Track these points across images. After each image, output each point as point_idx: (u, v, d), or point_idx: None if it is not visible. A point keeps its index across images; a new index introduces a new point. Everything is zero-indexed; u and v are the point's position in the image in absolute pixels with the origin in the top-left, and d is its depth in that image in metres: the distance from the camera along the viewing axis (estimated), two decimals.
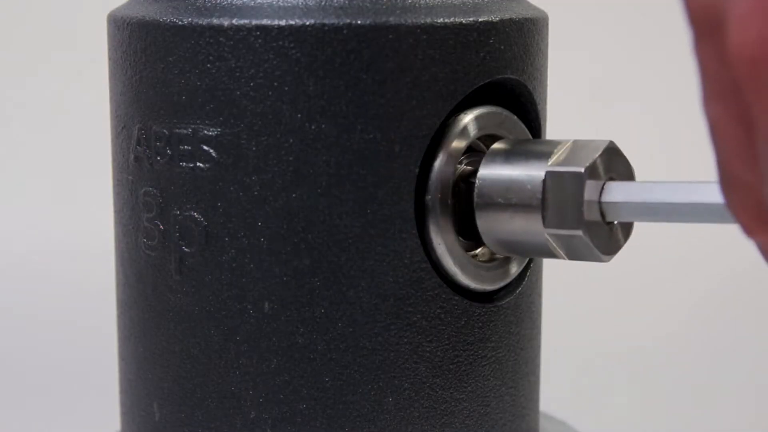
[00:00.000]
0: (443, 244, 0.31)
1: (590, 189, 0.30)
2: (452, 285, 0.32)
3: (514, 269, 0.33)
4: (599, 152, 0.30)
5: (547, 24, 0.35)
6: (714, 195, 0.28)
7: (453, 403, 0.32)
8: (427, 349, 0.32)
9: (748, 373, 0.60)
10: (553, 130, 0.37)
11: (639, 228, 0.32)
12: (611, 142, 0.31)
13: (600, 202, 0.30)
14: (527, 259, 0.34)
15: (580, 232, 0.30)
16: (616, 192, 0.30)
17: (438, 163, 0.31)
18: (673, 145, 0.81)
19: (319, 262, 0.31)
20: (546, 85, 0.35)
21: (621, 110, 0.82)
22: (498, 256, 0.33)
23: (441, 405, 0.32)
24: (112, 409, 0.38)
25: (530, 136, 0.34)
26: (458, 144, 0.31)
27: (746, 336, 0.64)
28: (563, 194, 0.30)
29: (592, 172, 0.30)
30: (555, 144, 0.31)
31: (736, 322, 0.66)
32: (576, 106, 0.77)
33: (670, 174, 0.78)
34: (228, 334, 0.31)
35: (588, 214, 0.30)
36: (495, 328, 0.33)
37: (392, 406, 0.32)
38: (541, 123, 0.34)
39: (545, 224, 0.30)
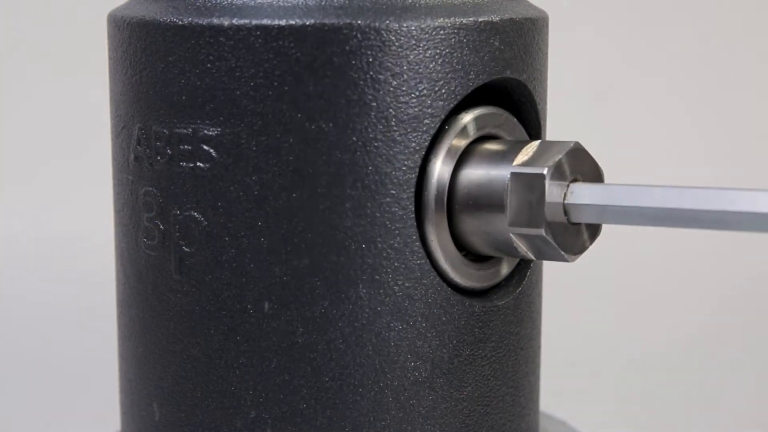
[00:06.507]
0: (436, 241, 0.31)
1: (553, 190, 0.30)
2: (452, 285, 0.32)
3: (505, 270, 0.34)
4: (564, 153, 0.31)
5: (547, 24, 0.35)
6: (681, 200, 0.29)
7: (453, 403, 0.32)
8: (427, 349, 0.32)
9: (749, 374, 0.60)
10: (553, 130, 0.37)
11: (636, 228, 0.32)
12: (577, 143, 0.31)
13: (564, 204, 0.30)
14: (518, 260, 0.34)
15: (542, 232, 0.30)
16: (581, 194, 0.30)
17: (438, 162, 0.31)
18: (673, 146, 0.81)
19: (319, 262, 0.31)
20: (546, 85, 0.35)
21: (621, 111, 0.82)
22: (489, 256, 0.33)
23: (441, 405, 0.32)
24: (112, 409, 0.38)
25: (528, 137, 0.34)
26: (458, 144, 0.32)
27: (747, 334, 0.64)
28: (526, 194, 0.30)
29: (555, 172, 0.30)
30: (523, 144, 0.32)
31: (738, 322, 0.66)
32: (576, 106, 0.77)
33: (671, 174, 0.78)
34: (228, 334, 0.32)
35: (550, 214, 0.30)
36: (495, 328, 0.33)
37: (392, 406, 0.32)
38: (541, 123, 0.34)
39: (509, 223, 0.31)
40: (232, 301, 0.31)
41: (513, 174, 0.31)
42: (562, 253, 0.31)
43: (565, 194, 0.31)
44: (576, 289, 0.65)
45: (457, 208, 0.32)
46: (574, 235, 0.31)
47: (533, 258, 0.31)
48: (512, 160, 0.31)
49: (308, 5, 0.31)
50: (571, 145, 0.31)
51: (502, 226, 0.31)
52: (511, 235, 0.31)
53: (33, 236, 0.75)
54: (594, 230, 0.32)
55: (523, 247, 0.31)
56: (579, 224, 0.31)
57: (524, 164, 0.31)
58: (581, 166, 0.31)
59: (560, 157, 0.30)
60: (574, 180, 0.31)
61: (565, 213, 0.31)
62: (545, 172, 0.30)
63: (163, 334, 0.33)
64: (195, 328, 0.32)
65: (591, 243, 0.32)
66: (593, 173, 0.31)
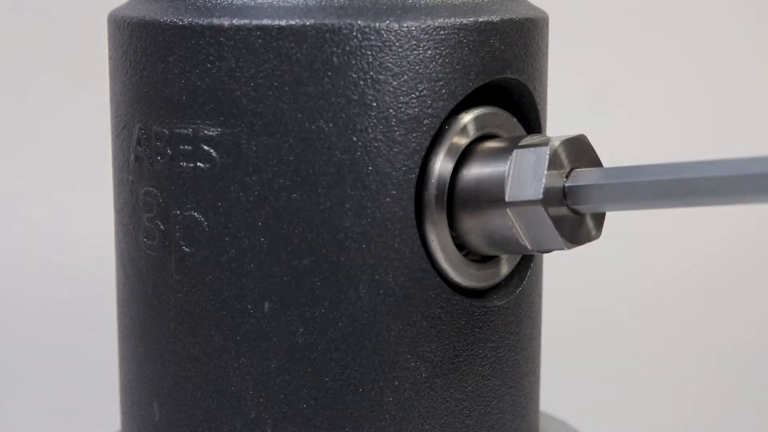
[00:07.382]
0: (436, 241, 0.31)
1: (554, 176, 0.30)
2: (452, 285, 0.32)
3: (505, 270, 0.34)
4: (565, 139, 0.31)
5: (547, 24, 0.35)
6: (679, 171, 0.29)
7: (453, 403, 0.32)
8: (427, 349, 0.32)
9: (750, 373, 0.60)
10: (553, 130, 0.37)
11: (638, 229, 0.32)
12: (582, 135, 0.31)
13: (564, 186, 0.30)
14: (518, 260, 0.34)
15: (539, 205, 0.30)
16: (580, 177, 0.30)
17: (438, 162, 0.31)
18: (673, 147, 0.81)
19: (319, 262, 0.31)
20: (546, 86, 0.35)
21: (621, 111, 0.82)
22: (489, 255, 0.33)
23: (441, 405, 0.32)
24: (112, 409, 0.38)
25: None
26: (458, 144, 0.32)
27: (749, 332, 0.65)
28: (528, 169, 0.30)
29: (555, 157, 0.30)
30: (521, 138, 0.32)
31: (737, 321, 0.67)
32: (576, 107, 0.77)
33: None
34: (228, 334, 0.32)
35: (551, 198, 0.30)
36: (495, 328, 0.33)
37: (392, 406, 0.32)
38: (542, 123, 0.34)
39: (508, 198, 0.30)
40: (232, 301, 0.31)
41: (518, 150, 0.31)
42: (558, 235, 0.30)
43: (566, 177, 0.30)
44: (576, 289, 0.65)
45: (457, 208, 0.32)
46: (575, 225, 0.31)
47: (529, 247, 0.31)
48: (490, 157, 0.31)
49: (308, 5, 0.31)
50: (575, 135, 0.31)
51: (502, 223, 0.31)
52: (508, 211, 0.31)
53: (33, 236, 0.75)
54: (599, 220, 0.31)
55: (520, 233, 0.31)
56: (581, 214, 0.31)
57: (529, 145, 0.31)
58: (583, 156, 0.31)
59: (563, 141, 0.30)
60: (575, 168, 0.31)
61: (565, 196, 0.30)
62: (548, 150, 0.30)
63: (163, 334, 0.33)
64: (195, 328, 0.32)
65: (597, 233, 0.31)
66: (594, 165, 0.31)
